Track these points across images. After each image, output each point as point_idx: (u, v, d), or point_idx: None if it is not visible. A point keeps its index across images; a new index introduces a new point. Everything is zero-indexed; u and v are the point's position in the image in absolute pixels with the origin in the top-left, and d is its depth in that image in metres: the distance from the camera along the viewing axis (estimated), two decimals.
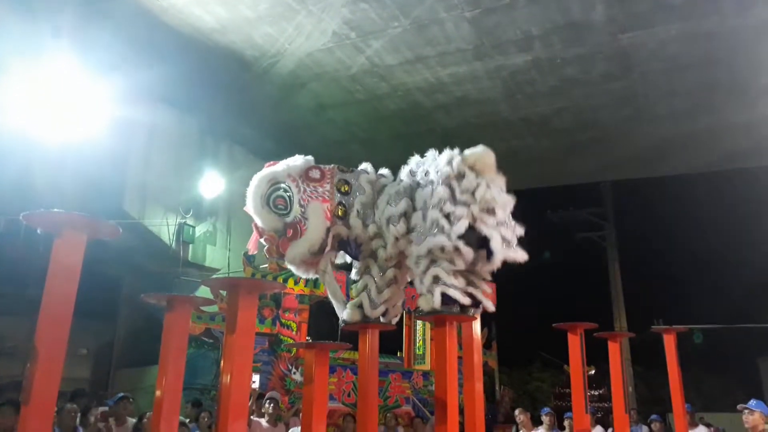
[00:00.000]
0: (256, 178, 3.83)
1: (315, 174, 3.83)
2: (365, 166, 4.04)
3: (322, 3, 8.55)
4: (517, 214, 3.77)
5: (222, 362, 2.89)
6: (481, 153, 3.81)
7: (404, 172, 3.99)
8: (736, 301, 17.93)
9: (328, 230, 3.75)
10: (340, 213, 3.79)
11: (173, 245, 11.24)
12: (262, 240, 3.88)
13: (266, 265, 9.17)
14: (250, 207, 3.81)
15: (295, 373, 8.78)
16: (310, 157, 3.94)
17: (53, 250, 2.56)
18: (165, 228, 11.16)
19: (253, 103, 11.14)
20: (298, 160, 3.89)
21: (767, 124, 11.14)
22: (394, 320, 3.98)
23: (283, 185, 3.78)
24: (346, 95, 11.10)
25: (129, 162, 10.67)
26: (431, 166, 3.85)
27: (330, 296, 3.99)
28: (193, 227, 11.66)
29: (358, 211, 3.81)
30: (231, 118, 12.00)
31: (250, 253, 4.04)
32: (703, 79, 10.17)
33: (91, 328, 11.54)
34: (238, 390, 2.79)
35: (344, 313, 3.90)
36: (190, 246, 11.67)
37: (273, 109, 11.37)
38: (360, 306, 3.82)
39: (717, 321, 16.25)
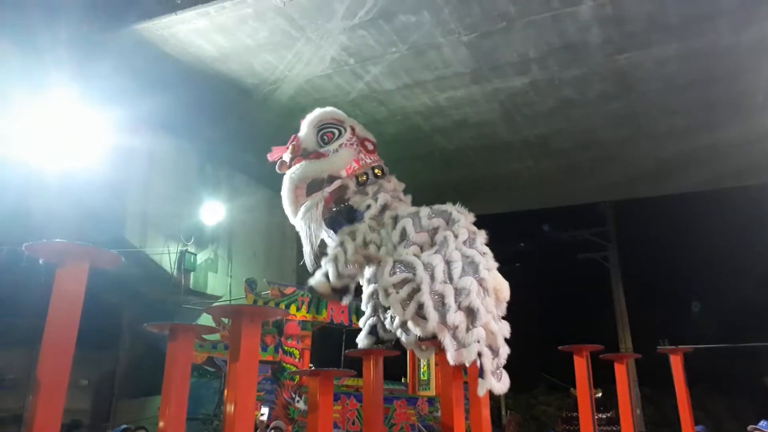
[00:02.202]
0: (330, 108, 4.38)
1: (370, 146, 4.30)
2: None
3: (320, 30, 8.65)
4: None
5: (226, 391, 2.85)
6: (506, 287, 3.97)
7: (442, 214, 3.98)
8: (742, 320, 17.80)
9: (339, 178, 4.09)
10: (360, 179, 4.15)
11: (175, 273, 11.20)
12: (290, 146, 4.17)
13: (268, 292, 9.13)
14: (308, 118, 4.28)
15: (298, 401, 8.67)
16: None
17: (55, 280, 2.54)
18: (166, 256, 11.13)
19: (253, 130, 11.19)
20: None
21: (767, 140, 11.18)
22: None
23: (341, 128, 4.23)
24: None
25: (130, 190, 10.69)
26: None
27: (303, 242, 4.14)
28: (195, 255, 11.63)
29: (376, 190, 4.12)
30: (231, 145, 12.06)
31: (269, 158, 4.31)
32: (702, 97, 10.22)
33: (92, 358, 11.45)
34: (243, 419, 2.74)
35: (312, 280, 4.08)
36: (192, 274, 11.63)
37: (273, 135, 11.29)
38: (326, 275, 3.99)
39: (724, 340, 16.11)
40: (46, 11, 8.43)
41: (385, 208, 4.07)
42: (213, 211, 11.90)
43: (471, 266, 3.67)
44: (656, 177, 13.51)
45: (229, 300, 11.92)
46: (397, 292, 3.61)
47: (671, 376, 4.94)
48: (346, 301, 4.17)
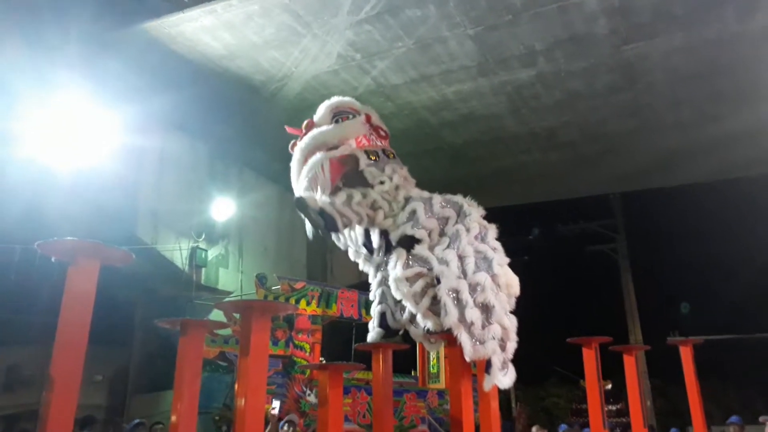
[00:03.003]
0: (349, 98, 4.55)
1: (382, 133, 4.32)
2: None
3: (326, 26, 8.68)
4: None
5: (236, 385, 2.89)
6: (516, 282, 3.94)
7: (453, 205, 4.00)
8: (753, 310, 17.72)
9: (348, 147, 4.06)
10: (372, 157, 4.09)
11: (186, 269, 11.30)
12: (304, 123, 4.28)
13: (278, 287, 9.19)
14: (326, 102, 4.43)
15: (309, 395, 8.74)
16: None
17: (67, 277, 2.59)
18: (178, 252, 11.23)
19: (262, 127, 11.24)
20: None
21: None
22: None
23: (357, 114, 4.30)
24: None
25: (141, 188, 10.78)
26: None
27: (306, 181, 4.01)
28: (206, 251, 11.73)
29: (392, 170, 4.09)
30: (241, 141, 12.12)
31: (287, 129, 4.48)
32: (708, 88, 10.17)
33: (106, 354, 11.57)
34: (253, 413, 2.79)
35: (305, 192, 3.96)
36: (203, 269, 11.73)
37: (282, 131, 11.41)
38: (332, 203, 3.88)
39: (734, 330, 16.07)
40: (55, 10, 8.51)
41: (398, 188, 4.03)
42: (223, 208, 11.98)
43: (484, 262, 3.70)
44: (664, 168, 13.46)
45: (240, 295, 12.00)
46: (411, 286, 3.64)
47: (682, 367, 4.96)
48: (326, 233, 4.00)
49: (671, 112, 11.05)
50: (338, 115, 4.27)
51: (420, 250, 3.74)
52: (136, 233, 10.53)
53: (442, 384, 9.97)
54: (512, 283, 3.87)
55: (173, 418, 3.04)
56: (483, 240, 3.83)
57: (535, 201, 17.24)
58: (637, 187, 16.25)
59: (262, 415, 2.97)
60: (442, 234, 3.83)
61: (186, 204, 11.49)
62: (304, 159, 4.08)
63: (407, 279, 3.65)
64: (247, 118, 11.20)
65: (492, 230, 3.94)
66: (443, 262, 3.62)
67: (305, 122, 4.30)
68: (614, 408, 17.90)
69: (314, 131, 4.16)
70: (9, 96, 8.17)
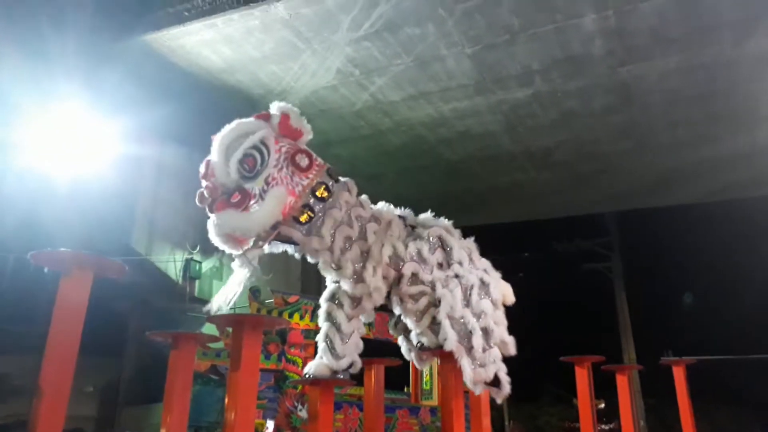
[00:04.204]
0: (243, 123, 3.40)
1: (303, 161, 3.37)
2: (346, 179, 3.66)
3: (326, 42, 8.75)
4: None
5: (226, 399, 2.89)
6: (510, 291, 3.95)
7: (436, 242, 3.84)
8: (748, 331, 17.71)
9: (276, 225, 3.27)
10: (302, 219, 3.36)
11: (180, 281, 11.28)
12: (203, 181, 3.36)
13: (272, 300, 9.17)
14: (217, 140, 3.37)
15: (301, 410, 8.68)
16: (291, 109, 3.56)
17: (59, 288, 2.60)
18: (172, 264, 11.21)
19: None
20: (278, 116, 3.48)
21: None
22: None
23: (263, 148, 3.25)
24: (351, 131, 11.24)
25: (137, 199, 10.80)
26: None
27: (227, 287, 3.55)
28: (200, 263, 11.71)
29: (331, 226, 3.45)
30: None
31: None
32: (704, 110, 10.25)
33: (98, 365, 11.48)
34: (243, 427, 2.79)
35: (310, 368, 3.66)
36: (197, 282, 11.70)
37: None
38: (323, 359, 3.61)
39: (729, 351, 16.04)
40: (55, 21, 8.56)
41: (374, 260, 3.55)
42: None
43: (483, 288, 3.74)
44: (659, 188, 13.54)
45: (234, 308, 11.96)
46: (415, 303, 3.65)
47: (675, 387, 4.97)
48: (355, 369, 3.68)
49: (667, 133, 11.13)
50: (243, 156, 3.22)
51: (425, 275, 3.72)
52: (131, 244, 10.54)
53: (435, 401, 9.91)
54: (507, 293, 3.92)
55: (163, 430, 3.03)
56: (471, 262, 3.84)
57: (530, 219, 17.29)
58: (632, 206, 16.32)
59: (251, 429, 2.96)
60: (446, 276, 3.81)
61: (181, 215, 11.49)
62: (227, 239, 3.34)
63: (410, 296, 3.66)
64: None
65: (474, 249, 3.95)
66: (446, 287, 3.64)
67: (205, 172, 3.38)
68: (607, 427, 17.86)
69: (228, 217, 3.21)
70: (8, 106, 8.20)
